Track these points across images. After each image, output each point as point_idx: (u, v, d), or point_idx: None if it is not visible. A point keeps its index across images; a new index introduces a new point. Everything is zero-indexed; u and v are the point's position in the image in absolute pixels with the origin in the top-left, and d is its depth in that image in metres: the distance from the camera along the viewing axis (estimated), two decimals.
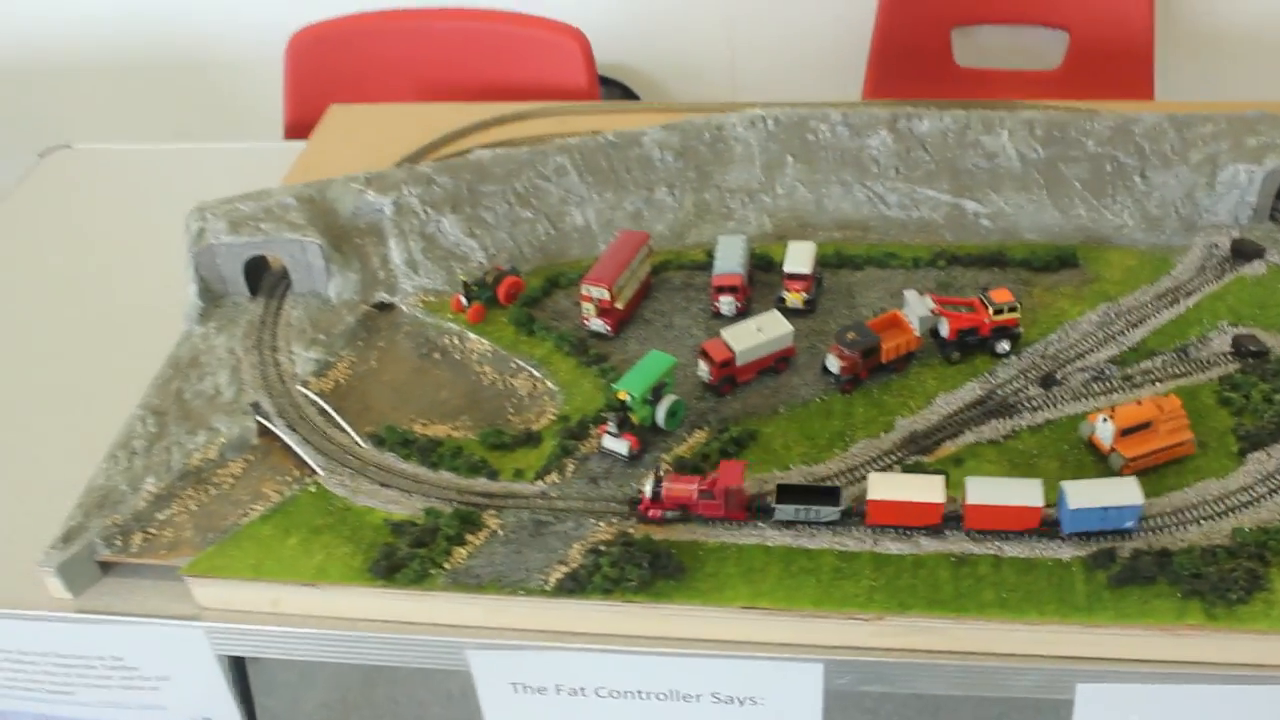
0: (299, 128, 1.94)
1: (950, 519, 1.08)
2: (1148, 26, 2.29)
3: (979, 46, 2.42)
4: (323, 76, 1.94)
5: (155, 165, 1.81)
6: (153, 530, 1.18)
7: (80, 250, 1.63)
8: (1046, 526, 1.08)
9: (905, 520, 1.07)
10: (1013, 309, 1.26)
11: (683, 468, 1.17)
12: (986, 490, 1.07)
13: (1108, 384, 1.23)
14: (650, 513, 1.10)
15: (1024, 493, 1.06)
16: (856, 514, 1.09)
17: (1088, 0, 2.35)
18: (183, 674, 1.19)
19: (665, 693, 1.12)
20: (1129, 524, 1.06)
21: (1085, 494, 1.05)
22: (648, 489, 1.10)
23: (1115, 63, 2.26)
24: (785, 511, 1.09)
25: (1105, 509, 1.05)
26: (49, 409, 1.36)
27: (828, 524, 1.09)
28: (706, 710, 1.13)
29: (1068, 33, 2.37)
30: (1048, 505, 1.07)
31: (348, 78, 1.94)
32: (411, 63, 1.97)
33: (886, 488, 1.08)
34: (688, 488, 1.09)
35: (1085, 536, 1.08)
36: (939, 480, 1.08)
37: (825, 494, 1.09)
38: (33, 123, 2.13)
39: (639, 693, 1.12)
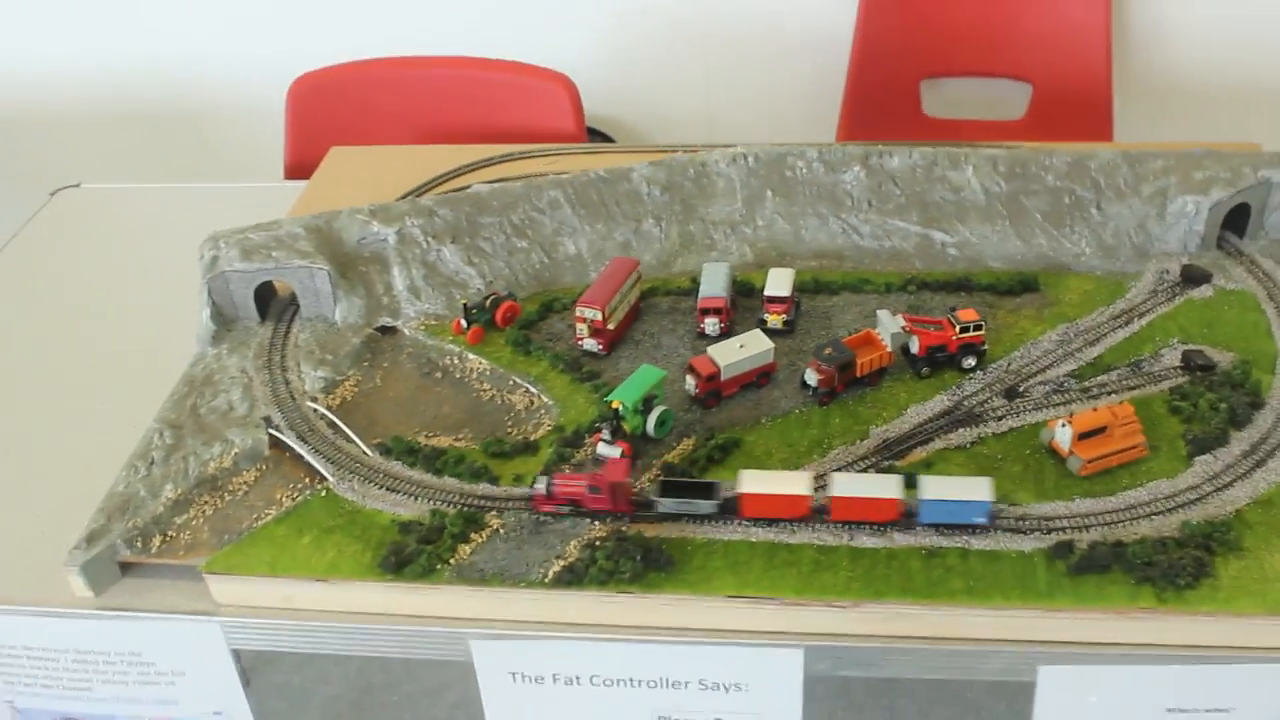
0: (300, 170, 2.04)
1: (817, 511, 1.16)
2: (1106, 78, 2.42)
3: (947, 98, 2.54)
4: (323, 121, 2.04)
5: (161, 203, 1.89)
6: (171, 533, 1.25)
7: (93, 280, 1.71)
8: (906, 517, 1.16)
9: (776, 512, 1.17)
10: (978, 327, 1.35)
11: (671, 472, 1.25)
12: (851, 484, 1.16)
13: (1067, 395, 1.32)
14: (544, 507, 1.18)
15: (884, 486, 1.15)
16: (731, 508, 1.17)
17: (1049, 54, 2.47)
18: (197, 669, 1.26)
19: (655, 680, 1.19)
20: (978, 518, 1.15)
21: (938, 488, 1.15)
22: (541, 486, 1.17)
23: (1076, 112, 2.38)
24: (666, 504, 1.18)
25: (956, 502, 1.14)
26: (70, 425, 1.44)
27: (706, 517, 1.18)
28: (694, 697, 1.20)
29: (1031, 85, 2.49)
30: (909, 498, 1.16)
31: (347, 122, 2.04)
32: (409, 108, 2.07)
33: (756, 482, 1.16)
34: (577, 485, 1.17)
35: (1023, 533, 1.16)
36: (806, 476, 1.17)
37: (703, 488, 1.17)
38: (43, 166, 2.21)
39: (630, 680, 1.19)
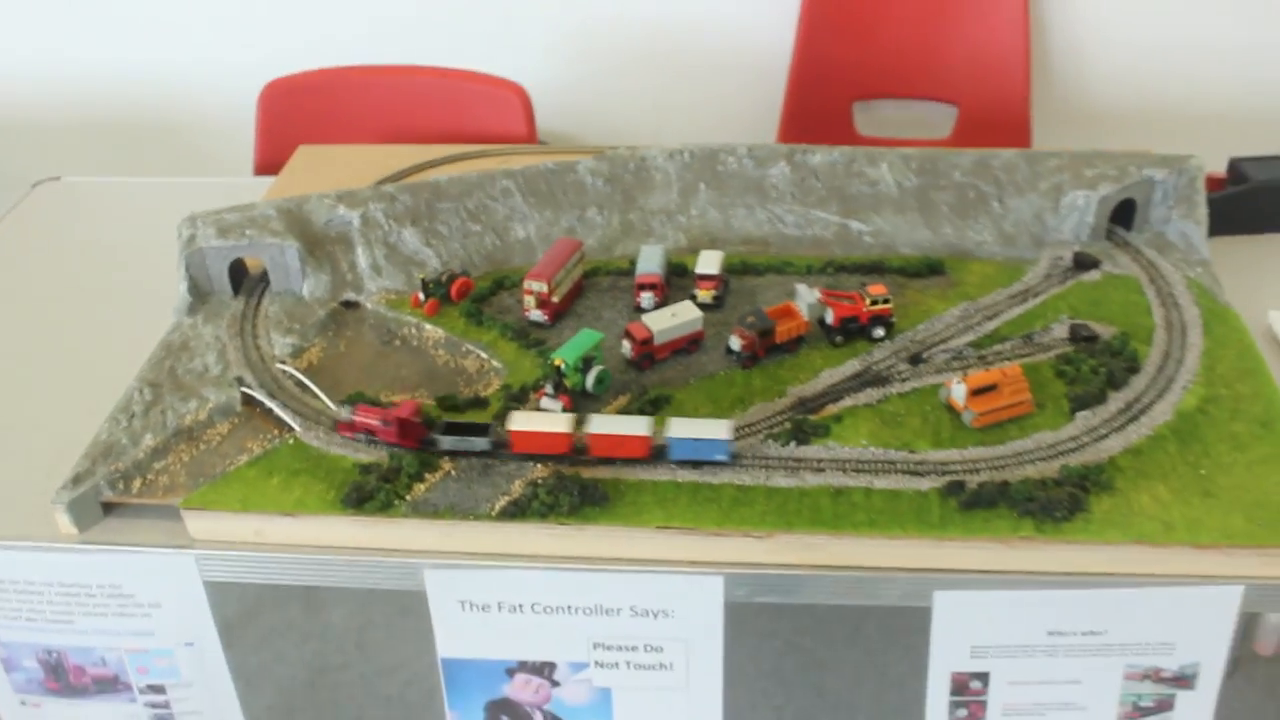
0: (269, 169, 2.17)
1: (579, 449, 1.32)
2: (1025, 102, 2.59)
3: (877, 118, 2.71)
4: (291, 123, 2.17)
5: (139, 195, 2.02)
6: (150, 476, 1.37)
7: (75, 263, 1.83)
8: (656, 453, 1.32)
9: (541, 448, 1.32)
10: (886, 301, 1.50)
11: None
12: (606, 424, 1.31)
13: (965, 362, 1.47)
14: (344, 432, 1.35)
15: (635, 425, 1.31)
16: (503, 445, 1.33)
17: (973, 81, 2.65)
18: (173, 601, 1.37)
19: (591, 607, 1.32)
20: (720, 455, 1.30)
21: (684, 428, 1.30)
22: (345, 414, 1.34)
23: (998, 132, 2.55)
24: (446, 441, 1.33)
25: (698, 440, 1.30)
26: (56, 387, 1.55)
27: (481, 454, 1.33)
28: (626, 623, 1.33)
29: (956, 106, 2.66)
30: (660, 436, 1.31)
31: (314, 124, 2.17)
32: (372, 112, 2.21)
33: (524, 421, 1.32)
34: (374, 418, 1.33)
35: (921, 475, 1.30)
36: (567, 417, 1.33)
37: (478, 429, 1.33)
38: (23, 164, 2.33)
39: (569, 608, 1.32)
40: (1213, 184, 1.80)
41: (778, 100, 2.63)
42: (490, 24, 2.58)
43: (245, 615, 1.28)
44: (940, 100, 2.66)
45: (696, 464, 1.31)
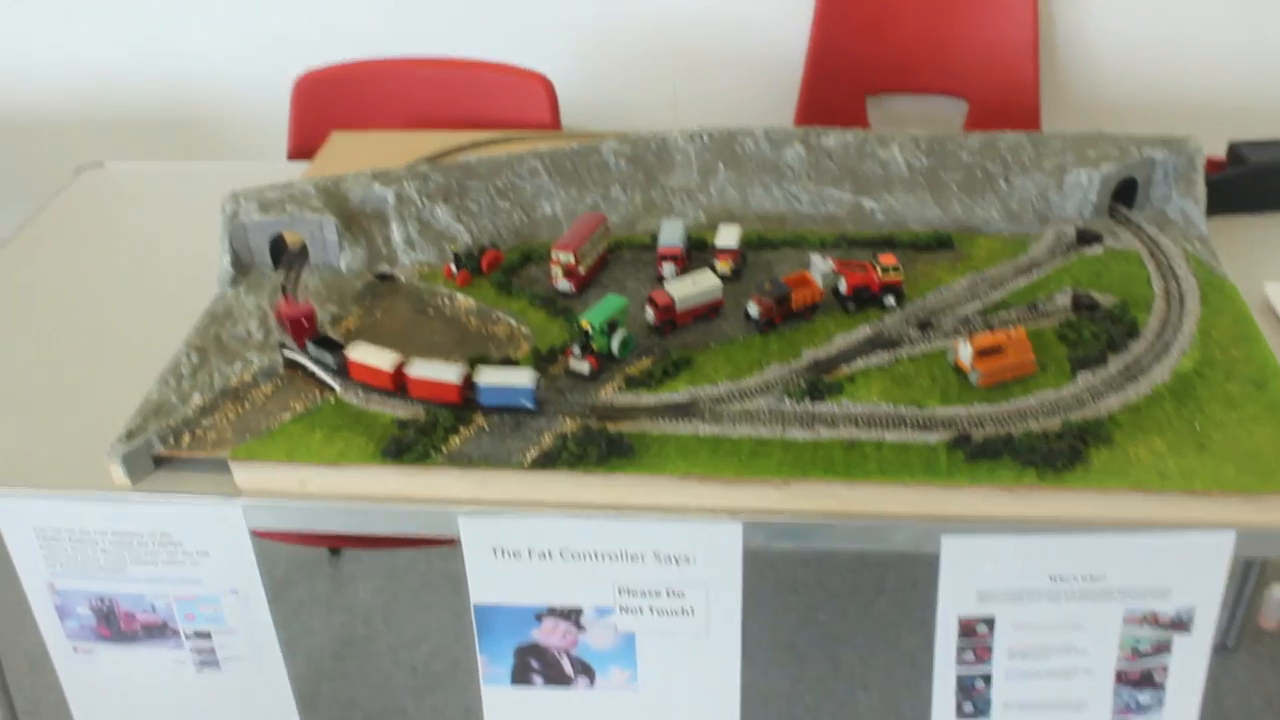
0: (302, 157, 2.26)
1: (400, 386, 1.43)
2: (1034, 96, 2.67)
3: (890, 113, 2.79)
4: (324, 113, 2.26)
5: (180, 180, 2.10)
6: (199, 432, 1.45)
7: (120, 244, 1.91)
8: (467, 398, 1.41)
9: (370, 380, 1.45)
10: (897, 270, 1.57)
11: (632, 382, 1.47)
12: (423, 368, 1.42)
13: (971, 327, 1.54)
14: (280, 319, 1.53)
15: (448, 372, 1.41)
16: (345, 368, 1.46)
17: (983, 75, 2.72)
18: (219, 549, 1.45)
19: (616, 553, 1.39)
20: (525, 401, 1.40)
21: (491, 375, 1.41)
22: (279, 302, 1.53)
23: (1007, 125, 2.62)
24: (311, 349, 1.49)
25: (504, 387, 1.40)
26: (107, 353, 1.64)
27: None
28: (649, 568, 1.40)
29: (967, 101, 2.74)
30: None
31: (346, 114, 2.26)
32: (402, 102, 2.29)
33: (360, 353, 1.45)
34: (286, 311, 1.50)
35: (929, 429, 1.37)
36: (394, 356, 1.44)
37: (334, 346, 1.47)
38: (61, 156, 2.42)
39: (595, 554, 1.40)
40: (1213, 166, 1.87)
41: (793, 94, 2.71)
42: (516, 17, 2.67)
43: (274, 590, 1.34)
44: (951, 94, 2.74)
45: (718, 420, 1.39)
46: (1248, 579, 2.41)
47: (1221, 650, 2.48)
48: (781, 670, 2.45)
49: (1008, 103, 2.69)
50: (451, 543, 1.40)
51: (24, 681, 2.43)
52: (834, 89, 2.72)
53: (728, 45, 2.73)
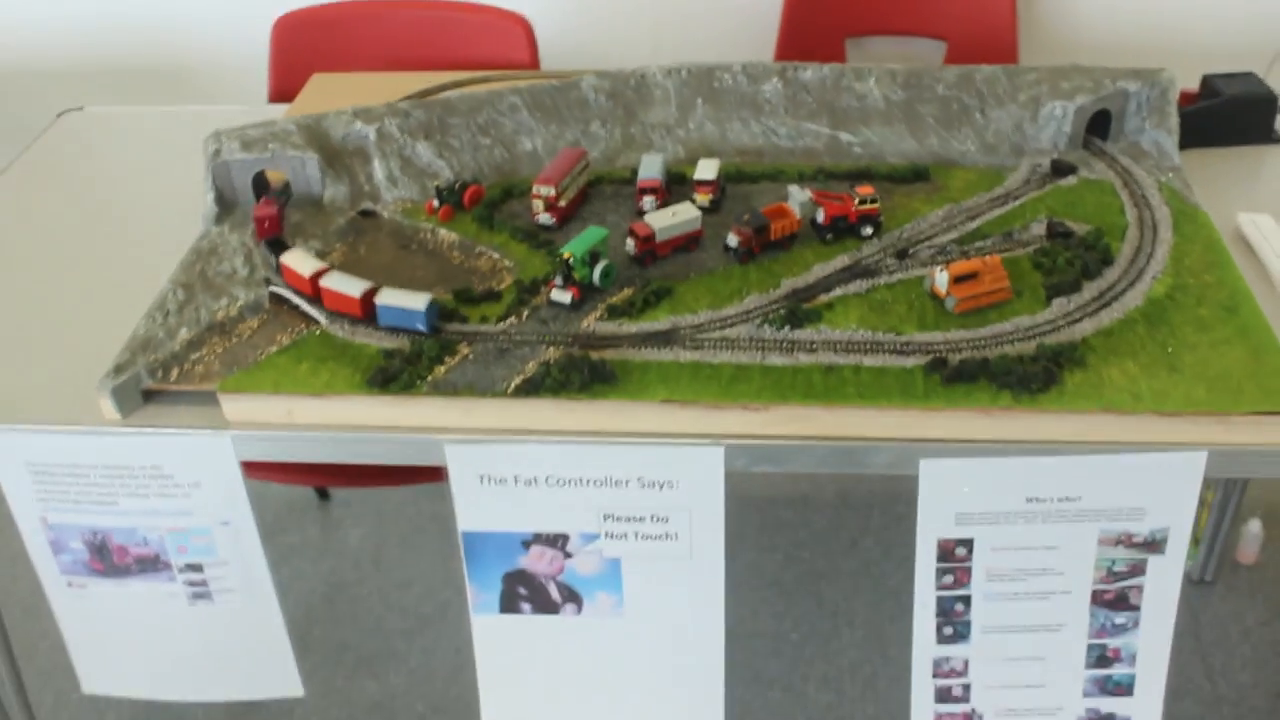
0: (283, 99, 2.26)
1: (316, 293, 1.50)
2: (1012, 35, 2.68)
3: (869, 54, 2.79)
4: (303, 55, 2.26)
5: (161, 122, 2.11)
6: (186, 366, 1.46)
7: (104, 184, 1.92)
8: (369, 314, 1.47)
9: (294, 283, 1.52)
10: (874, 201, 1.59)
11: (614, 311, 1.49)
12: (335, 281, 1.48)
13: (948, 256, 1.57)
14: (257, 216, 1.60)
15: (353, 287, 1.47)
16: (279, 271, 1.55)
17: (962, 17, 2.73)
18: (210, 481, 1.47)
19: (601, 479, 1.42)
20: (420, 325, 1.44)
21: (390, 297, 1.45)
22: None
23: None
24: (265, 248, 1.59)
25: (399, 308, 1.45)
26: (93, 292, 1.65)
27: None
28: (634, 494, 1.43)
29: (946, 42, 2.75)
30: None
31: (325, 57, 2.26)
32: (381, 44, 2.30)
33: (293, 260, 1.53)
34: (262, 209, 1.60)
35: (906, 354, 1.39)
36: (317, 264, 1.51)
37: (280, 249, 1.56)
38: (42, 103, 2.41)
39: (580, 480, 1.42)
40: (1187, 99, 1.89)
41: (772, 38, 2.71)
42: None
43: (263, 535, 1.37)
44: (929, 35, 2.74)
45: (697, 346, 1.41)
46: (1224, 514, 2.45)
47: (1200, 584, 2.52)
48: (768, 608, 2.49)
49: (986, 43, 2.69)
50: (440, 477, 1.42)
51: (19, 627, 2.46)
52: (813, 31, 2.72)
53: None
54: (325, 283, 1.48)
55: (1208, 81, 1.90)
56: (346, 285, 1.47)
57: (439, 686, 2.35)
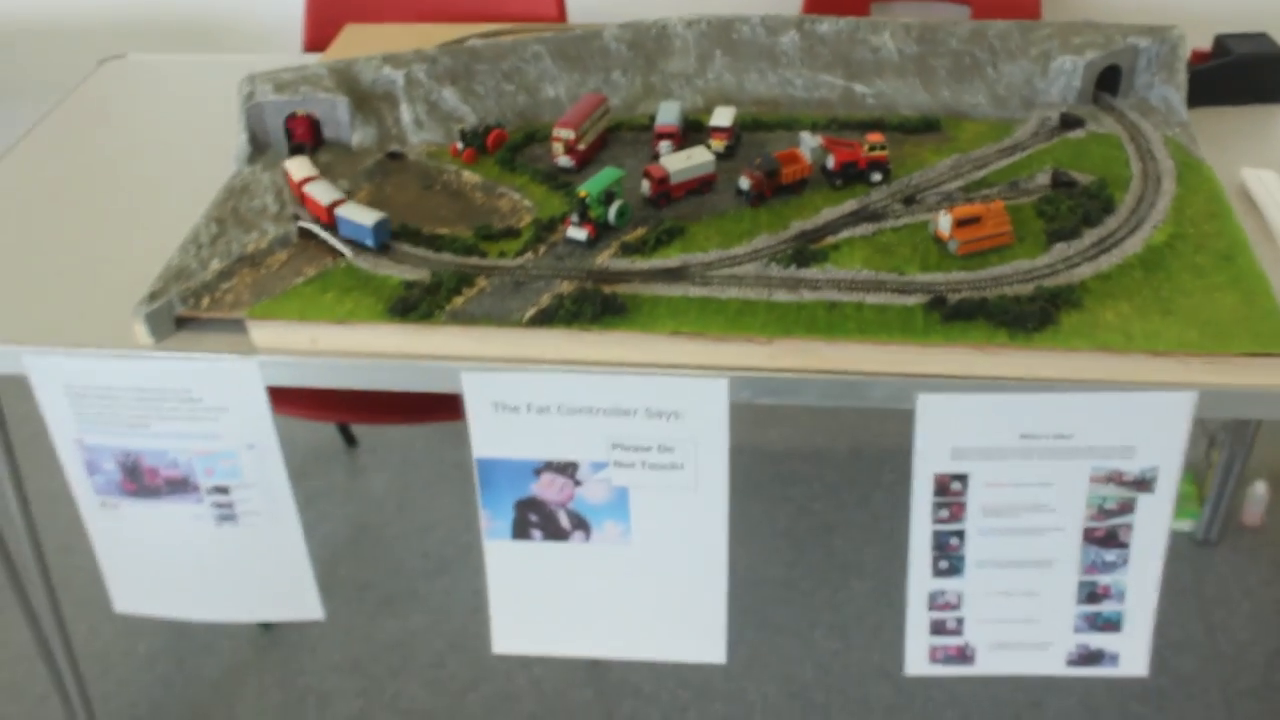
0: (317, 49, 2.33)
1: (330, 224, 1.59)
2: (1035, 2, 2.71)
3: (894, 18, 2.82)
4: (337, 6, 2.33)
5: (199, 70, 2.18)
6: (217, 295, 1.53)
7: (143, 128, 1.99)
8: (334, 223, 1.58)
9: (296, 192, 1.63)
10: (883, 148, 1.64)
11: (627, 249, 1.54)
12: (315, 189, 1.60)
13: (953, 202, 1.61)
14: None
15: (324, 196, 1.58)
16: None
17: None
18: (237, 404, 1.54)
19: (610, 408, 1.48)
20: (368, 240, 1.55)
21: (348, 211, 1.56)
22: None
23: None
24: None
25: (353, 222, 1.55)
26: (131, 226, 1.72)
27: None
28: (641, 424, 1.49)
29: (969, 7, 2.78)
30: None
31: (359, 8, 2.33)
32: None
33: (298, 167, 1.65)
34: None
35: (907, 293, 1.44)
36: (307, 167, 1.64)
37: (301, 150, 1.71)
38: (83, 52, 2.49)
39: (590, 409, 1.48)
40: (1200, 58, 1.93)
41: (797, 4, 2.75)
42: None
43: (291, 480, 1.44)
44: (955, 1, 2.77)
45: (705, 283, 1.46)
46: (1229, 476, 2.49)
47: (1205, 544, 2.56)
48: (779, 556, 2.54)
49: (1008, 9, 2.72)
50: (459, 415, 1.48)
51: (58, 561, 2.55)
52: None
53: None
54: (308, 189, 1.61)
55: (1220, 41, 1.94)
56: (321, 194, 1.59)
57: (457, 625, 2.43)
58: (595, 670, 2.32)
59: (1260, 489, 2.56)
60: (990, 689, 2.25)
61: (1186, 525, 2.58)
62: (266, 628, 2.43)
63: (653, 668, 2.32)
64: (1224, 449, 2.46)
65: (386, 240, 1.56)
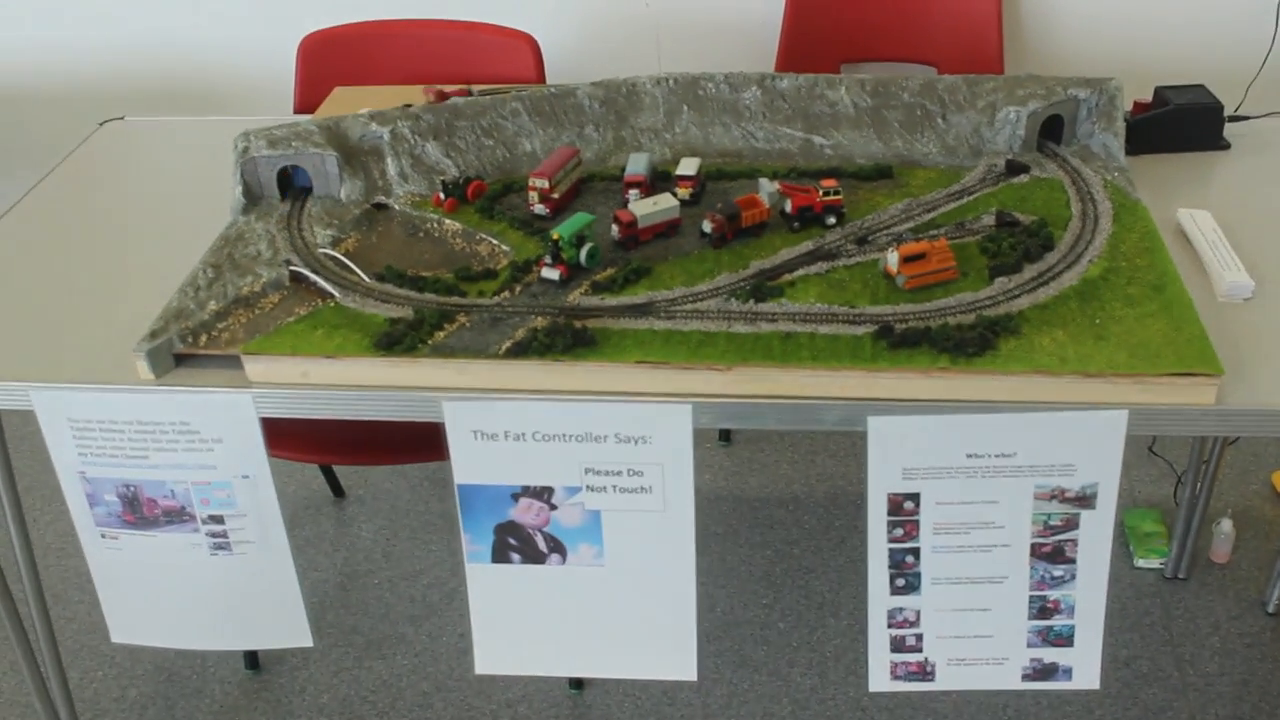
0: (307, 110, 2.45)
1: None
2: (999, 63, 2.85)
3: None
4: (327, 71, 2.45)
5: (195, 131, 2.30)
6: (214, 333, 1.63)
7: (142, 185, 2.10)
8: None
9: None
10: (837, 193, 1.75)
11: (597, 287, 1.65)
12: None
13: (903, 242, 1.72)
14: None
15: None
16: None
17: (950, 43, 2.90)
18: (232, 436, 1.63)
19: (582, 435, 1.57)
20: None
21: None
22: None
23: None
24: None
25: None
26: (132, 272, 1.82)
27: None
28: (611, 449, 1.58)
29: (935, 68, 2.92)
30: None
31: (348, 72, 2.45)
32: (399, 61, 2.49)
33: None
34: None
35: (857, 324, 1.55)
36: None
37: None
38: (84, 115, 2.62)
39: (563, 436, 1.58)
40: (1141, 108, 2.05)
41: (770, 61, 2.89)
42: None
43: (288, 530, 1.54)
44: (920, 61, 2.91)
45: (670, 316, 1.56)
46: (1195, 513, 2.58)
47: (1174, 580, 2.64)
48: (757, 599, 2.62)
49: (973, 68, 2.86)
50: (442, 456, 1.57)
51: (52, 565, 2.62)
52: (810, 56, 2.90)
53: (708, 12, 2.92)
54: None
55: (1159, 92, 2.06)
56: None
57: (443, 667, 2.50)
58: (578, 708, 2.39)
59: (1226, 526, 2.65)
60: None
61: (1156, 562, 2.66)
62: (255, 669, 2.50)
63: (635, 705, 2.39)
64: (1185, 485, 2.55)
65: None
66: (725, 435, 3.12)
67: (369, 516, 2.90)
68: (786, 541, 2.77)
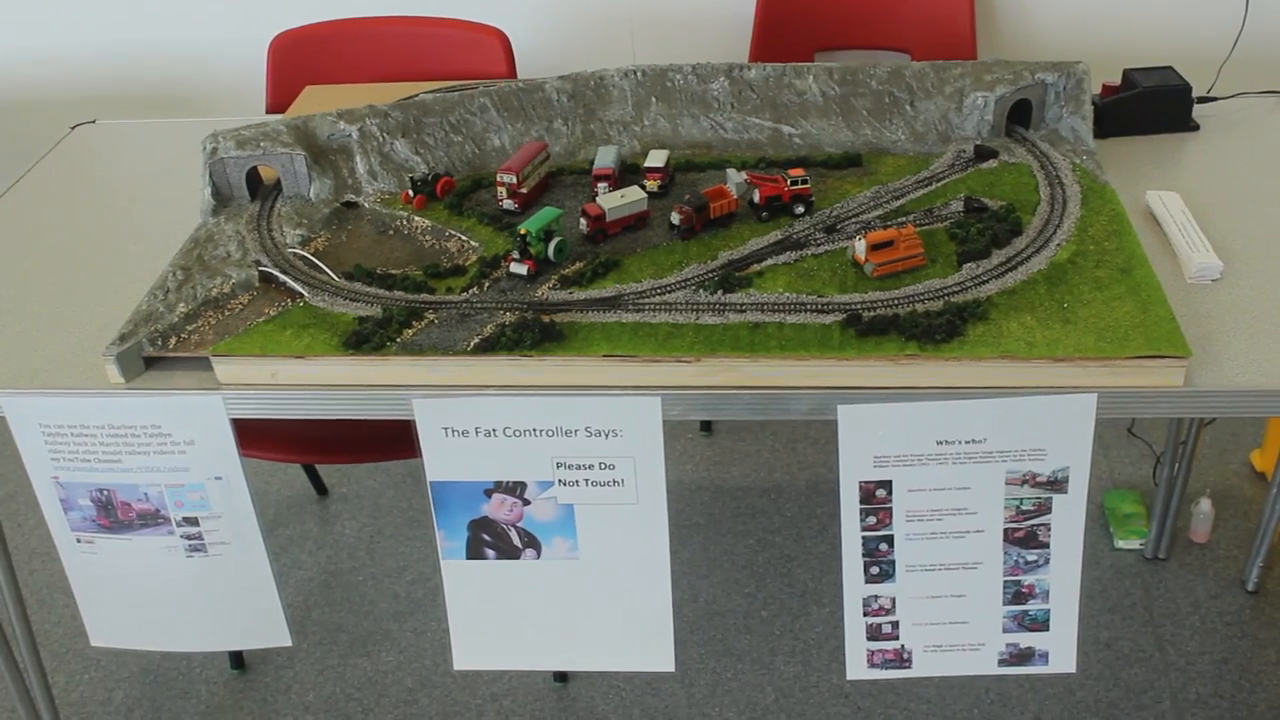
0: (279, 110, 2.45)
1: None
2: (971, 49, 2.85)
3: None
4: (298, 70, 2.45)
5: (167, 134, 2.29)
6: (183, 336, 1.62)
7: (113, 187, 2.10)
8: None
9: None
10: (805, 182, 1.75)
11: (565, 282, 1.65)
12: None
13: (872, 230, 1.72)
14: None
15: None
16: None
17: (923, 30, 2.90)
18: (203, 437, 1.63)
19: (552, 429, 1.57)
20: None
21: None
22: None
23: None
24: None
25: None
26: (102, 275, 1.82)
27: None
28: (582, 443, 1.58)
29: (909, 55, 2.92)
30: None
31: (319, 71, 2.45)
32: (370, 58, 2.48)
33: None
34: None
35: (826, 313, 1.55)
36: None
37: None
38: (56, 119, 2.61)
39: (534, 430, 1.58)
40: (1109, 91, 2.06)
41: (744, 50, 2.89)
42: None
43: (264, 529, 1.52)
44: (893, 49, 2.91)
45: (639, 309, 1.57)
46: (1173, 494, 2.58)
47: (1154, 561, 2.65)
48: (740, 588, 2.63)
49: (947, 56, 2.86)
50: (417, 453, 1.58)
51: (33, 615, 2.62)
52: (784, 45, 2.90)
53: (683, 4, 2.91)
54: None
55: (1128, 75, 2.06)
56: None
57: (428, 663, 2.50)
58: (562, 702, 2.40)
59: (1205, 506, 2.66)
60: (946, 708, 2.33)
61: (1136, 543, 2.67)
62: (241, 669, 2.51)
63: (619, 696, 2.40)
64: (1163, 466, 2.56)
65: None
66: (706, 426, 3.12)
67: (352, 514, 2.90)
68: (769, 530, 2.78)
